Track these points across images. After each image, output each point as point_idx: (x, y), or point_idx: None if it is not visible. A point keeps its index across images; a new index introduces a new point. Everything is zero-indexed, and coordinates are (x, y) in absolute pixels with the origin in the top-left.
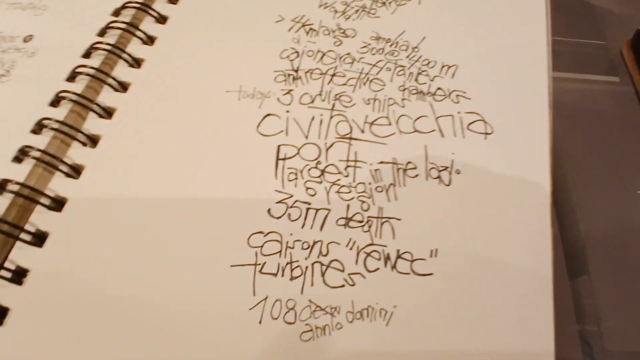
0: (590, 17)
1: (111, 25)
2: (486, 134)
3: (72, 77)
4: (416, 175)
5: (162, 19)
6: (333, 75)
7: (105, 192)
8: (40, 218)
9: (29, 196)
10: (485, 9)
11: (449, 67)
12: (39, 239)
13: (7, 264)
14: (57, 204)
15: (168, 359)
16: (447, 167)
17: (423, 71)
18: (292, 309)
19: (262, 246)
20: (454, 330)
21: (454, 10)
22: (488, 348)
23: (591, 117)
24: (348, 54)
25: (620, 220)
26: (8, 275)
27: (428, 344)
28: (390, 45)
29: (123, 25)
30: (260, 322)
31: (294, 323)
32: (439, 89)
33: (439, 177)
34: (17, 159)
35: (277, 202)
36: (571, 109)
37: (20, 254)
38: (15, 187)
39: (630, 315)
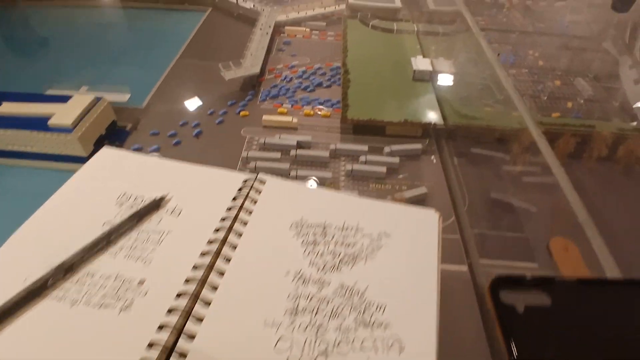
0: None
1: (189, 278)
2: (400, 348)
3: (169, 311)
4: None
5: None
6: (317, 311)
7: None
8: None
9: None
10: (403, 267)
11: (381, 306)
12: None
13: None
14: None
15: None
16: None
17: (367, 309)
18: None
19: None
20: None
21: (386, 267)
22: None
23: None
24: (325, 297)
25: None
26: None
27: None
28: (349, 291)
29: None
30: None
31: None
32: (375, 320)
33: None
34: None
35: None
36: None
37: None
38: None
39: None
